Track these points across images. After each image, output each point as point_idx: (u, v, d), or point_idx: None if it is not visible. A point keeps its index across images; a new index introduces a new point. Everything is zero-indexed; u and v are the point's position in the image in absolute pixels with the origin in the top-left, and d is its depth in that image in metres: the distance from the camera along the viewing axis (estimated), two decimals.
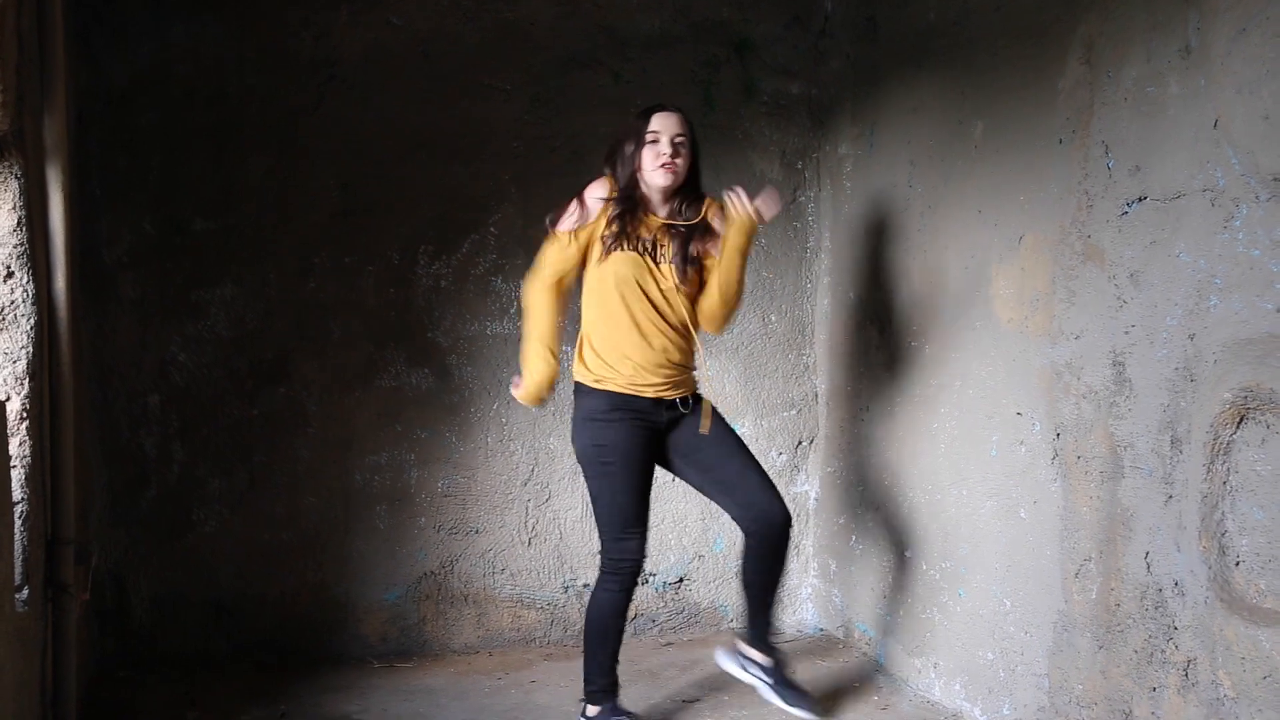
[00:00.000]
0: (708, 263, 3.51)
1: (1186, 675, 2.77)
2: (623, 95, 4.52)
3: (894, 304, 4.20)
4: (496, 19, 4.43)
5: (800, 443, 4.83)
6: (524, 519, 4.53)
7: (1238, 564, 2.61)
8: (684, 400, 3.52)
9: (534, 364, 3.51)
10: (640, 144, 3.44)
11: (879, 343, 4.30)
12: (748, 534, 3.55)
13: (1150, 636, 2.89)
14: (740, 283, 3.50)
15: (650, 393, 3.46)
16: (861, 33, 4.44)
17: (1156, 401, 2.87)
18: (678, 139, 3.43)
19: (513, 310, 4.44)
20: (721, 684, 4.04)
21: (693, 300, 3.52)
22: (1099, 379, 3.09)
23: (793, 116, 4.78)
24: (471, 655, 4.43)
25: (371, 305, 4.35)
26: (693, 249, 3.48)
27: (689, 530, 4.70)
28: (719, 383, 4.68)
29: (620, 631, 3.55)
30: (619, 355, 3.45)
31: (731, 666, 3.78)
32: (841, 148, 4.62)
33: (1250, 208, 2.55)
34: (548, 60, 4.49)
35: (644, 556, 3.50)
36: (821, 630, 4.80)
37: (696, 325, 3.53)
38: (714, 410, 3.58)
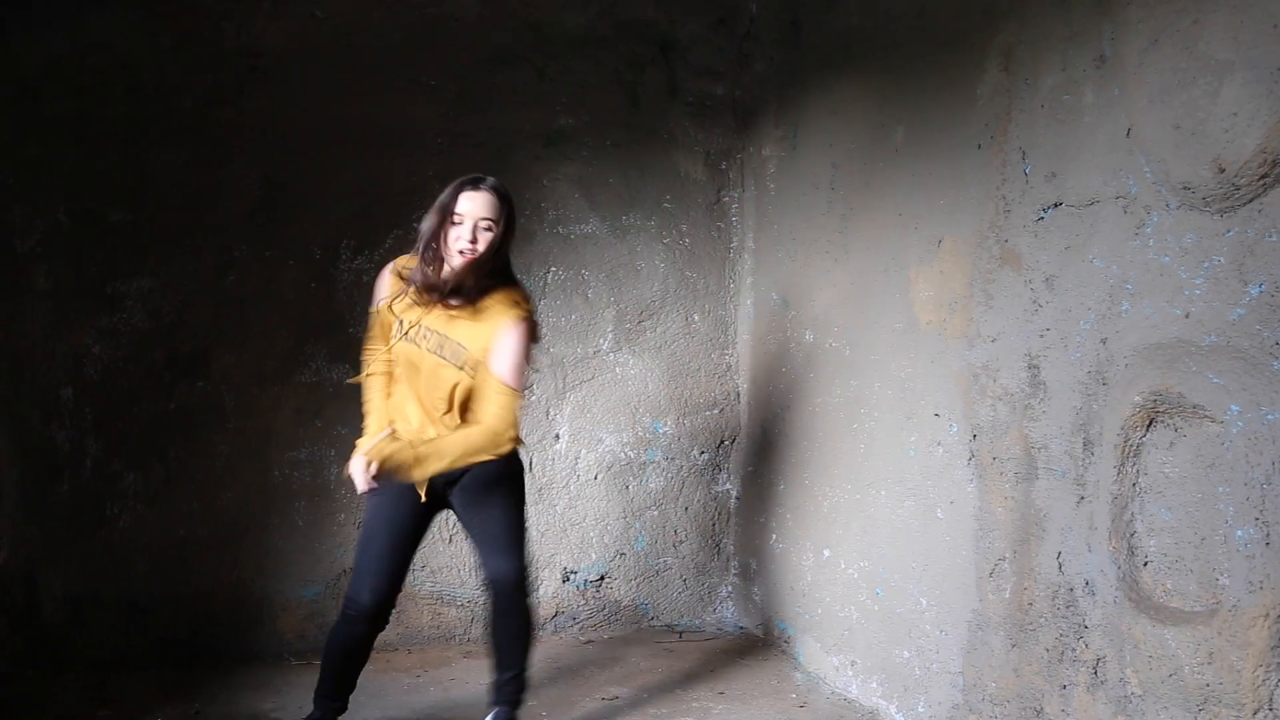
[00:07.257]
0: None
1: (1095, 673, 2.82)
2: (548, 93, 4.53)
3: (816, 305, 4.23)
4: (422, 14, 4.40)
5: (722, 442, 4.86)
6: (445, 516, 4.50)
7: (1146, 564, 2.66)
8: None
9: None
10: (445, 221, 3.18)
11: (800, 343, 4.34)
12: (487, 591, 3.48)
13: (1061, 635, 2.94)
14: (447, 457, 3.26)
15: None
16: (785, 36, 4.47)
17: (1070, 404, 2.92)
18: (483, 223, 3.16)
19: None
20: (642, 682, 4.06)
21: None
22: (1014, 381, 3.13)
23: (717, 117, 4.80)
24: (390, 653, 4.39)
25: (292, 299, 4.31)
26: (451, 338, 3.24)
27: (610, 528, 4.69)
28: (641, 382, 4.69)
29: (339, 659, 3.47)
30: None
31: None
32: (765, 149, 4.65)
33: (1161, 215, 2.61)
34: (473, 56, 4.47)
35: (363, 604, 3.40)
36: (741, 628, 4.83)
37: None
38: (493, 473, 3.38)
